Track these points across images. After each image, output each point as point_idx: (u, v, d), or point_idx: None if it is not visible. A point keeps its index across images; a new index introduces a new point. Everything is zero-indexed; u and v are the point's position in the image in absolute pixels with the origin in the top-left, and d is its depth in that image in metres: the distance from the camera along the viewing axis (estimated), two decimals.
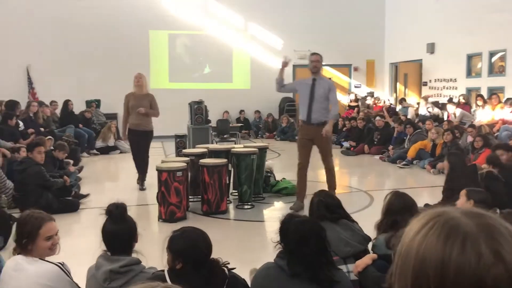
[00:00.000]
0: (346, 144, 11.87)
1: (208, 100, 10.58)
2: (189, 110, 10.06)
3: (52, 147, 7.86)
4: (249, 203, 6.41)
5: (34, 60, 13.64)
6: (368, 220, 3.71)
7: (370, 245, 3.18)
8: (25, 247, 2.59)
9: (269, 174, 7.32)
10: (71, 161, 8.82)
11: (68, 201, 6.46)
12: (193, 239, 2.45)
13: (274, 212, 6.46)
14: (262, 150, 6.95)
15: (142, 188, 7.54)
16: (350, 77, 16.41)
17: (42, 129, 9.90)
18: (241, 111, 15.38)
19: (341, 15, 15.63)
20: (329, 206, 3.16)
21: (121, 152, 11.58)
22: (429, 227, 0.84)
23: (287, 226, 2.51)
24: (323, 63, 6.65)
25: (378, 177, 9.13)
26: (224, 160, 6.19)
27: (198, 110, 9.84)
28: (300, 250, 2.40)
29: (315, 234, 2.45)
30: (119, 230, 2.66)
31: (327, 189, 6.17)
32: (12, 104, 9.63)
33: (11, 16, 13.44)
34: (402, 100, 13.78)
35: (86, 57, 13.95)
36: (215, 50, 15.18)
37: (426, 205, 5.38)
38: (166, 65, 15.04)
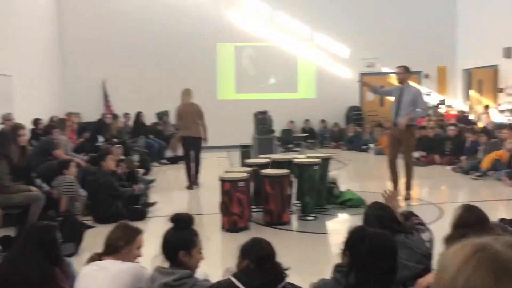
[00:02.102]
0: (416, 155, 11.40)
1: (273, 110, 10.63)
2: (254, 121, 10.15)
3: (122, 156, 8.21)
4: (311, 215, 6.32)
5: (109, 74, 14.40)
6: (436, 234, 3.52)
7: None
8: (117, 250, 2.78)
9: (333, 185, 7.18)
10: (142, 170, 9.20)
11: (136, 209, 6.69)
12: (259, 239, 2.69)
13: (338, 224, 6.33)
14: (326, 161, 6.84)
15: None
16: (420, 84, 15.82)
17: (114, 139, 10.39)
18: (306, 121, 15.29)
19: (410, 20, 15.16)
20: (380, 219, 2.96)
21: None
22: (473, 265, 0.74)
23: (359, 235, 2.41)
24: (399, 71, 7.33)
25: (450, 189, 8.70)
26: (286, 171, 6.16)
27: (262, 121, 9.91)
28: (372, 264, 2.29)
29: (392, 249, 2.35)
30: (180, 240, 2.70)
31: (405, 187, 7.23)
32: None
33: (89, 34, 14.29)
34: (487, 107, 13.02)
35: (156, 70, 14.53)
36: (281, 60, 15.25)
37: (502, 220, 5.05)
38: (232, 77, 15.31)
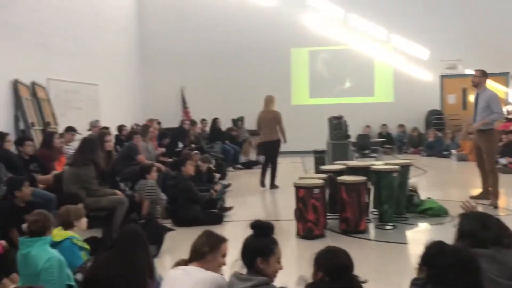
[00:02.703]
0: (503, 161, 10.71)
1: (348, 115, 10.42)
2: (328, 126, 10.01)
3: (199, 162, 8.45)
4: (390, 224, 6.12)
5: (187, 82, 14.92)
6: None
7: None
8: (202, 257, 2.86)
9: (413, 193, 6.90)
10: (218, 175, 9.40)
11: (214, 213, 6.84)
12: (334, 249, 2.57)
13: (418, 234, 6.07)
14: (405, 168, 6.60)
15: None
16: (507, 86, 14.85)
17: (193, 145, 10.71)
18: (383, 125, 14.87)
19: (494, 18, 14.27)
20: (480, 230, 2.72)
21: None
22: None
23: (438, 249, 2.30)
24: (475, 75, 7.20)
25: None
26: (363, 178, 6.01)
27: (337, 126, 9.72)
28: (453, 280, 2.16)
29: (475, 264, 2.21)
30: (258, 246, 2.72)
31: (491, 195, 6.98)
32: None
33: (169, 43, 14.90)
34: None
35: (232, 77, 14.84)
36: (356, 64, 14.99)
37: None
38: (306, 82, 15.27)
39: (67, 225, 3.90)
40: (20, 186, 5.02)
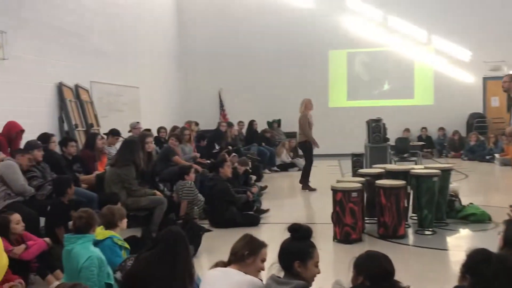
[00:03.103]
0: None
1: (387, 118, 10.27)
2: (366, 129, 9.89)
3: (236, 164, 8.51)
4: (430, 229, 5.99)
5: (225, 84, 15.07)
6: None
7: None
8: (242, 260, 2.88)
9: (454, 198, 6.73)
10: (254, 177, 9.45)
11: (250, 215, 6.88)
12: (376, 254, 2.55)
13: (460, 240, 5.93)
14: (446, 172, 6.44)
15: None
16: None
17: (230, 147, 10.80)
18: (423, 128, 14.56)
19: None
20: None
21: (299, 170, 11.93)
22: None
23: (483, 257, 2.24)
24: (504, 80, 6.95)
25: None
26: (402, 182, 5.91)
27: (375, 128, 9.60)
28: None
29: None
30: (296, 250, 2.72)
31: None
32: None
33: (207, 47, 15.09)
34: None
35: (269, 79, 14.88)
36: (395, 66, 14.75)
37: None
38: (344, 84, 15.13)
39: (111, 225, 4.01)
40: (69, 186, 5.22)
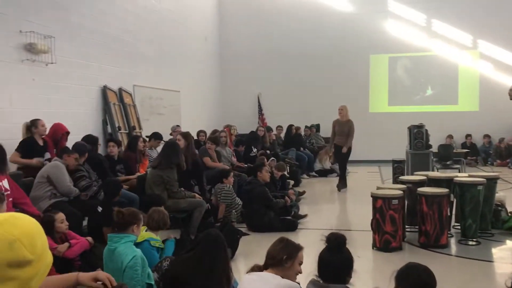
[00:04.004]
0: None
1: (429, 124, 10.02)
2: (408, 135, 9.68)
3: (273, 169, 8.50)
4: (474, 239, 5.78)
5: (264, 89, 15.11)
6: None
7: None
8: (279, 264, 2.87)
9: (500, 208, 6.48)
10: (292, 182, 9.40)
11: (288, 220, 6.84)
12: (417, 266, 2.50)
13: (506, 252, 5.71)
14: (491, 180, 6.21)
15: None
16: None
17: (268, 151, 10.79)
18: (468, 136, 14.12)
19: None
20: None
21: (337, 176, 11.79)
22: None
23: None
24: None
25: None
26: (445, 190, 5.74)
27: (418, 135, 9.38)
28: None
29: None
30: (334, 261, 2.71)
31: None
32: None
33: (247, 51, 15.18)
34: None
35: (308, 84, 14.81)
36: (439, 71, 14.39)
37: None
38: (385, 89, 14.88)
39: (155, 228, 4.07)
40: (121, 188, 5.44)
